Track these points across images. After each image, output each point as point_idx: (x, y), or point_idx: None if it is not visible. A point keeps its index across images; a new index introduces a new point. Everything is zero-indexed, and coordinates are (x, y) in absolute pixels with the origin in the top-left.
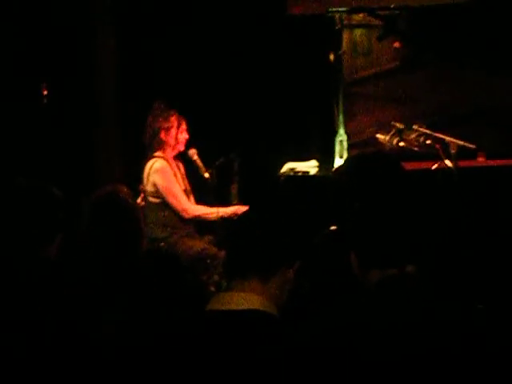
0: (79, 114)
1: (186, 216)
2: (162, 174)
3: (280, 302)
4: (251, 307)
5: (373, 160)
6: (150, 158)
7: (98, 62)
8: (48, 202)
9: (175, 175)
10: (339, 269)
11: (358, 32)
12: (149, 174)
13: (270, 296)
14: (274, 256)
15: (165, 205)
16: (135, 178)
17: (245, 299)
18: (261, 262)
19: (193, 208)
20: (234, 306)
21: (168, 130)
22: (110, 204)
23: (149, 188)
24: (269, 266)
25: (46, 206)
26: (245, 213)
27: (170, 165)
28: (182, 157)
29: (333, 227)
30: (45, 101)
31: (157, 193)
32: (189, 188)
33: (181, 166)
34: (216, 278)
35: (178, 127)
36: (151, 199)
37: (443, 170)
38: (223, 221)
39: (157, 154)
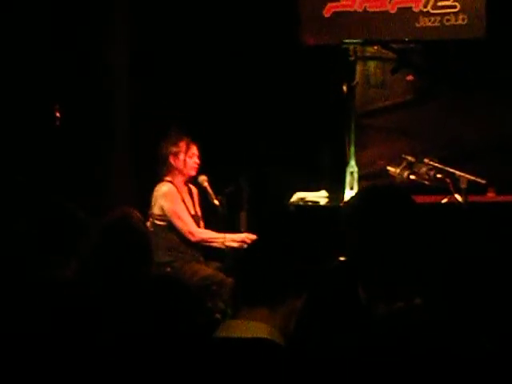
0: (92, 138)
1: (193, 239)
2: (168, 197)
3: (287, 332)
4: (258, 336)
5: (383, 193)
6: (159, 182)
7: (113, 86)
8: (73, 225)
9: (183, 200)
10: (347, 300)
11: (371, 64)
12: (156, 197)
13: (277, 325)
14: (282, 285)
15: (171, 228)
16: (147, 202)
17: (252, 328)
18: (269, 291)
19: (199, 231)
20: (241, 334)
21: (176, 154)
22: (122, 228)
23: (155, 211)
24: (277, 296)
25: (70, 228)
26: (254, 241)
27: (178, 189)
28: (193, 183)
29: (341, 258)
30: (58, 123)
31: (163, 216)
32: (200, 214)
33: (194, 191)
34: (221, 305)
35: (187, 152)
36: (157, 222)
37: (453, 204)
38: (231, 248)
39: (166, 178)
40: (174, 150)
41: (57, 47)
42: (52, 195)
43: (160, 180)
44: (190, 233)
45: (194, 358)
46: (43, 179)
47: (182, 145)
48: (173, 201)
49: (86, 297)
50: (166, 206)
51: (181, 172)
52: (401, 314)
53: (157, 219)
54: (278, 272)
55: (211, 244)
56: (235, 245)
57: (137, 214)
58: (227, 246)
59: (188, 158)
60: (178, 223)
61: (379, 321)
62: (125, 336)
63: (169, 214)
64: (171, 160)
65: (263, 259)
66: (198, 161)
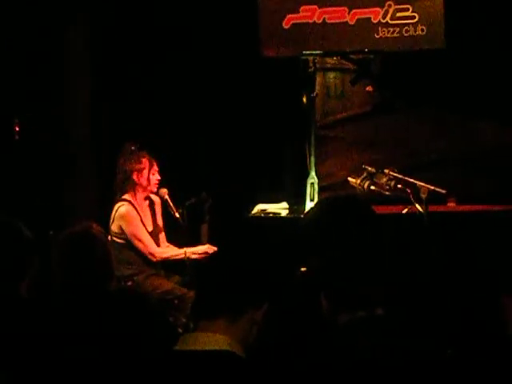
0: (52, 152)
1: (154, 259)
2: (127, 219)
3: (247, 343)
4: (218, 348)
5: (343, 203)
6: (118, 201)
7: (72, 99)
8: (17, 240)
9: (142, 218)
10: (308, 310)
11: (331, 75)
12: (115, 217)
13: (237, 337)
14: (241, 297)
15: (129, 246)
16: (108, 216)
17: (212, 339)
18: (228, 302)
19: (160, 251)
20: (200, 346)
21: (140, 171)
22: (83, 241)
23: (114, 229)
24: (236, 307)
25: (15, 244)
26: (214, 253)
27: (137, 208)
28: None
29: (303, 269)
30: (17, 137)
31: (122, 235)
32: (161, 225)
33: (156, 201)
34: (183, 319)
35: (150, 169)
36: (116, 239)
37: (413, 214)
38: (192, 261)
39: (125, 196)
40: (138, 166)
41: (17, 61)
42: None
43: (118, 199)
44: (151, 254)
45: (153, 371)
46: (1, 193)
47: (145, 161)
48: (131, 223)
49: (44, 312)
50: (125, 227)
51: (144, 189)
52: (362, 323)
53: (115, 237)
54: (237, 283)
55: (173, 261)
56: (197, 257)
57: (98, 227)
58: (189, 258)
59: (151, 174)
60: (139, 245)
61: (341, 330)
62: (85, 349)
63: (128, 236)
64: (134, 177)
65: (222, 271)
66: (159, 177)
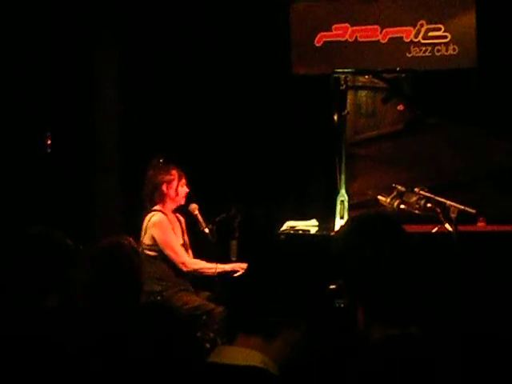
0: (81, 164)
1: (185, 269)
2: (159, 227)
3: (283, 362)
4: (251, 364)
5: (374, 221)
6: (148, 212)
7: (100, 112)
8: (60, 252)
9: (173, 229)
10: (343, 327)
11: (362, 93)
12: (147, 227)
13: (271, 355)
14: (275, 315)
15: (161, 258)
16: (135, 229)
17: (245, 355)
18: (263, 320)
19: (191, 261)
20: (234, 361)
21: (170, 182)
22: (115, 255)
23: (146, 241)
24: (271, 325)
25: (58, 255)
26: (248, 270)
27: (169, 218)
28: (183, 211)
29: (332, 286)
30: (48, 150)
31: (154, 246)
32: (188, 242)
33: (182, 219)
34: (211, 334)
35: (179, 180)
36: (148, 252)
37: (443, 233)
38: (221, 276)
39: (156, 207)
40: (167, 178)
41: (48, 75)
42: (40, 225)
43: (149, 210)
44: (183, 263)
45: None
46: (33, 205)
47: (175, 173)
48: (164, 231)
49: (74, 324)
50: (158, 236)
51: (172, 200)
52: (396, 342)
53: (147, 249)
54: (269, 301)
55: (202, 274)
56: (227, 268)
57: (131, 241)
58: (218, 273)
59: (180, 186)
60: (170, 253)
61: (374, 347)
62: (113, 363)
63: (160, 244)
64: (164, 188)
65: (257, 289)
66: (187, 190)
